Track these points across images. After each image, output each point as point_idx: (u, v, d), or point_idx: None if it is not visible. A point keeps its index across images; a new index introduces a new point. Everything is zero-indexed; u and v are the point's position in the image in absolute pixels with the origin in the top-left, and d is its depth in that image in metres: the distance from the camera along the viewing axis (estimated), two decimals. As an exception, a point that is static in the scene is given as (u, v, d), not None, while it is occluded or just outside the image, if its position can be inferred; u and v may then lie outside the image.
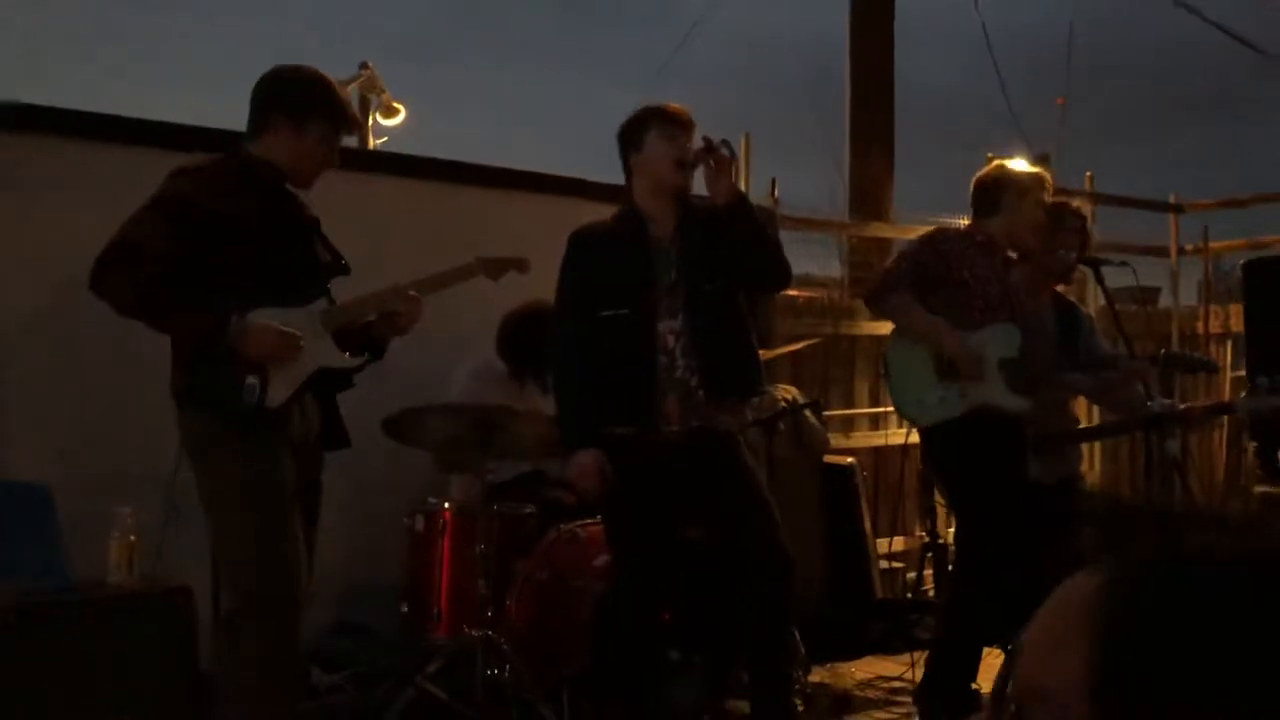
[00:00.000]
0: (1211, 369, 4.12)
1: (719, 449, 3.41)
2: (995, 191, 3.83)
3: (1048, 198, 3.88)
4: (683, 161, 3.35)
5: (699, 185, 3.45)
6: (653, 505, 3.38)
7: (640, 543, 3.42)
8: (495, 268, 3.49)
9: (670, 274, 3.38)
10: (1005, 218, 3.79)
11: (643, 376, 3.33)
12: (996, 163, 4.04)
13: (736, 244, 3.35)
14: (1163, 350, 4.12)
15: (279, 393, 2.90)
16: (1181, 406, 3.88)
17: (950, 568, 4.10)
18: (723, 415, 3.43)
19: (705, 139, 3.34)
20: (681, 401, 3.35)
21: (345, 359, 3.08)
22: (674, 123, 3.38)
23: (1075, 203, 4.23)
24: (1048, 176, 3.95)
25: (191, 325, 2.86)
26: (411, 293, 3.20)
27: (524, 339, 4.52)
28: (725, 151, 3.29)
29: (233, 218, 2.89)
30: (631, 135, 3.42)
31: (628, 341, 3.34)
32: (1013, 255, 3.88)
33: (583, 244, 3.47)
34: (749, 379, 3.50)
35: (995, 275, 3.74)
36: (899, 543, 5.96)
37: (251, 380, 2.85)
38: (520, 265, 3.53)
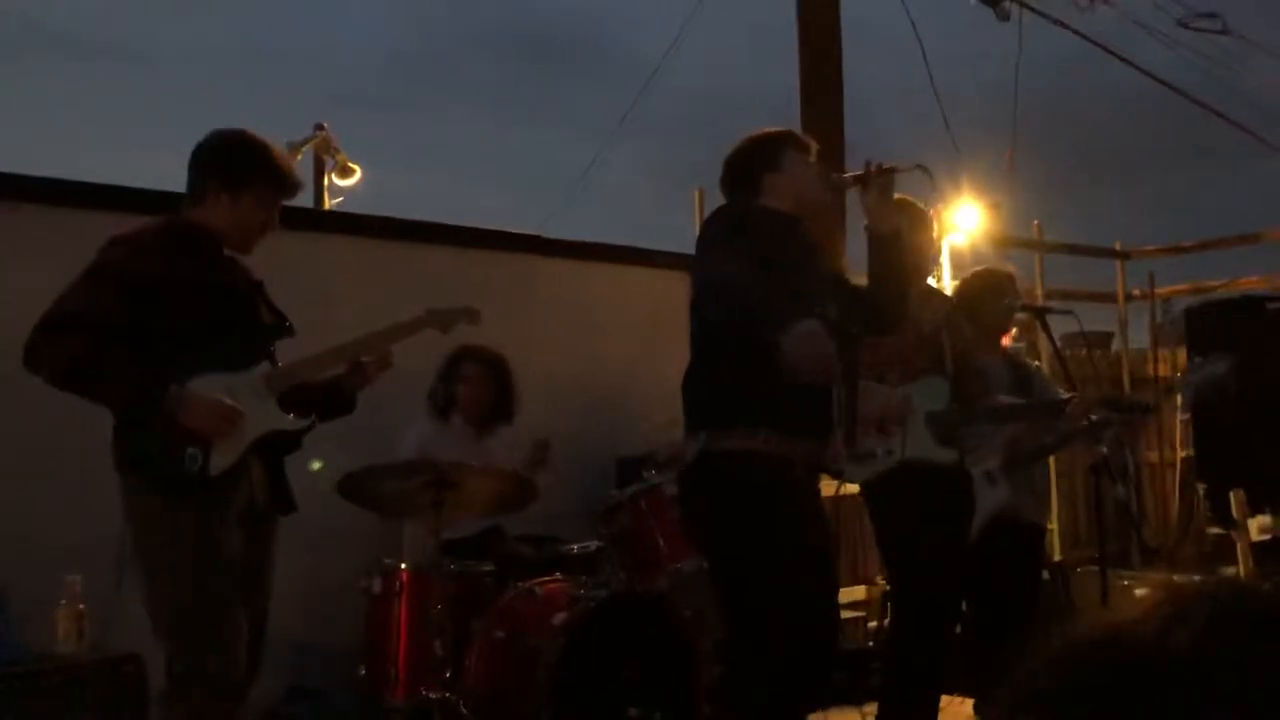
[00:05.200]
0: (1145, 409, 4.17)
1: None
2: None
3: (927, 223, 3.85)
4: (843, 184, 3.24)
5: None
6: (825, 545, 3.06)
7: (814, 596, 3.01)
8: (445, 319, 3.41)
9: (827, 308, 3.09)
10: None
11: (822, 397, 2.97)
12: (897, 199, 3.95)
13: (881, 275, 3.17)
14: (1100, 396, 4.20)
15: (222, 460, 2.86)
16: (1128, 399, 3.95)
17: (889, 621, 4.11)
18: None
19: (878, 163, 3.12)
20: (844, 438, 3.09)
21: (290, 421, 3.05)
22: (808, 147, 3.26)
23: (1008, 269, 4.36)
24: (921, 208, 3.89)
25: (127, 396, 2.82)
26: (365, 359, 3.20)
27: (445, 375, 4.55)
28: (921, 171, 3.14)
29: (169, 284, 2.86)
30: (768, 153, 3.20)
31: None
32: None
33: (749, 218, 3.08)
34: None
35: (914, 324, 3.67)
36: (859, 591, 5.98)
37: (192, 451, 2.80)
38: (470, 316, 3.46)
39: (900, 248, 3.17)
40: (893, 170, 3.08)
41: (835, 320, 3.04)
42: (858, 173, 3.17)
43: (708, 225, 3.15)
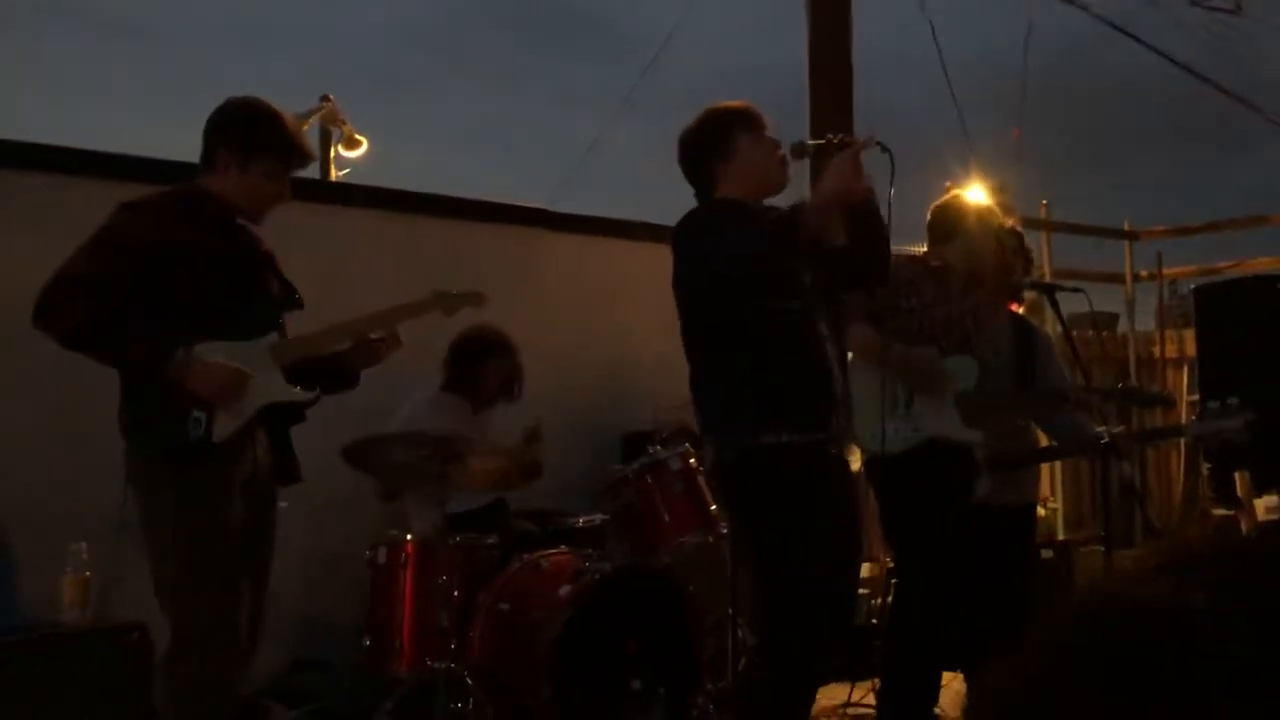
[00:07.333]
0: (1168, 404, 4.15)
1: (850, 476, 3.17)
2: (953, 221, 3.86)
3: (998, 226, 3.95)
4: (796, 153, 3.07)
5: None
6: (845, 532, 3.05)
7: (837, 579, 3.03)
8: (451, 303, 3.41)
9: (805, 274, 3.05)
10: (962, 246, 3.83)
11: (823, 382, 3.00)
12: (953, 192, 4.07)
13: (858, 239, 3.06)
14: (1120, 384, 4.17)
15: (225, 427, 2.86)
16: (1132, 430, 3.93)
17: (893, 598, 4.11)
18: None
19: (840, 136, 3.05)
20: (844, 419, 3.06)
21: (295, 393, 3.05)
22: (758, 123, 3.12)
23: (1010, 222, 4.25)
24: (998, 210, 4.00)
25: (134, 358, 2.83)
26: (374, 335, 3.19)
27: (469, 363, 4.55)
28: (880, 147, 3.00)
29: (179, 251, 2.87)
30: (716, 143, 3.10)
31: (802, 341, 3.00)
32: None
33: (726, 212, 3.02)
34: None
35: (946, 301, 3.76)
36: (863, 568, 5.98)
37: (197, 415, 2.81)
38: (476, 300, 3.47)
39: (872, 213, 3.08)
40: (852, 143, 2.99)
41: (813, 286, 3.04)
42: (819, 142, 3.09)
43: (679, 232, 3.09)
